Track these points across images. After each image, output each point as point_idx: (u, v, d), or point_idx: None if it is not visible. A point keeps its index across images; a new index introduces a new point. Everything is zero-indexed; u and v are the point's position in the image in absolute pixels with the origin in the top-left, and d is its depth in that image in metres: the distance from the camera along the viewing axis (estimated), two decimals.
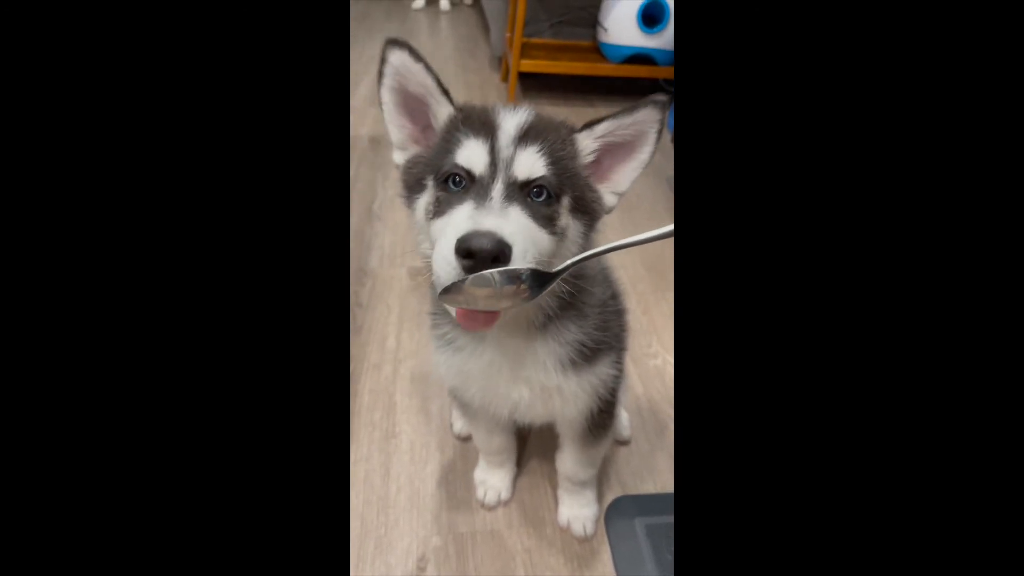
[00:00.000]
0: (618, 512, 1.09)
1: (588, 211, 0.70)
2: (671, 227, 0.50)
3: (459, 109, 0.71)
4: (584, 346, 0.78)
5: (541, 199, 0.64)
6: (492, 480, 1.10)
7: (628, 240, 0.56)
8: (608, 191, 0.73)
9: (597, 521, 1.07)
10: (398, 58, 0.68)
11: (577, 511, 1.06)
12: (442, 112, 0.71)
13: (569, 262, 0.59)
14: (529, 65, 2.71)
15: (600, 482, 1.12)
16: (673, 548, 1.02)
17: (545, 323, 0.75)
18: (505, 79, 3.00)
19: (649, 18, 2.63)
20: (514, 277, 0.55)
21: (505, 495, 1.10)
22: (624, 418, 1.24)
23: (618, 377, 0.90)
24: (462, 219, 0.59)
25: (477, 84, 3.08)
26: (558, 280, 0.59)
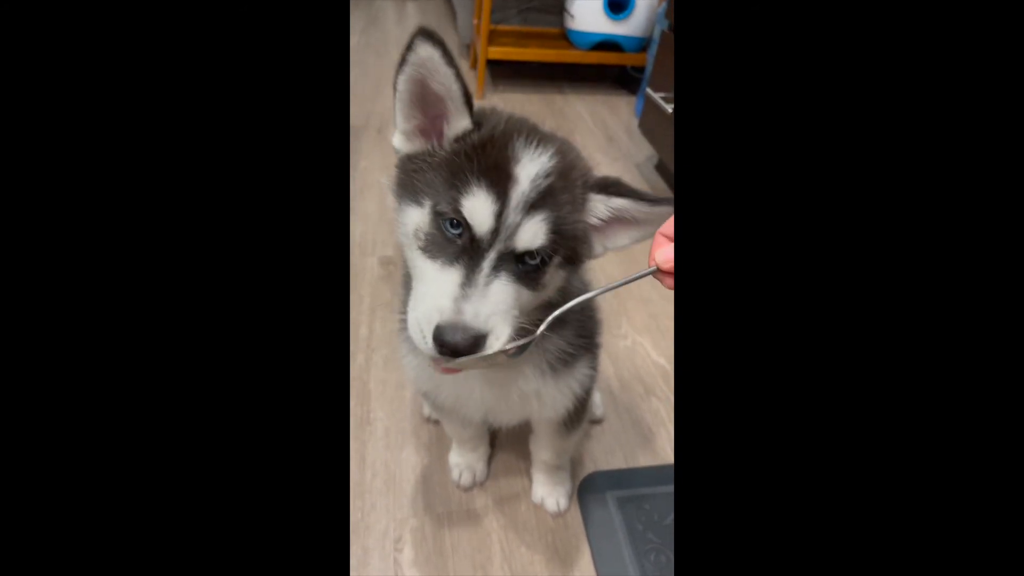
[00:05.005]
0: (591, 487, 1.12)
1: (576, 261, 0.69)
2: (655, 267, 0.54)
3: (476, 123, 0.66)
4: (564, 352, 0.79)
5: (533, 262, 0.63)
6: (467, 462, 1.12)
7: (615, 284, 0.59)
8: (600, 244, 0.71)
9: (570, 497, 1.10)
10: (428, 53, 0.61)
11: (551, 488, 1.09)
12: (458, 123, 0.66)
13: (553, 316, 0.61)
14: (497, 52, 2.70)
15: (572, 459, 1.15)
16: (643, 519, 1.06)
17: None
18: (474, 66, 2.98)
19: (615, 5, 2.65)
20: None
21: (480, 476, 1.13)
22: (597, 398, 1.27)
23: (593, 376, 0.91)
24: (445, 298, 0.59)
25: None
26: (540, 332, 0.61)
